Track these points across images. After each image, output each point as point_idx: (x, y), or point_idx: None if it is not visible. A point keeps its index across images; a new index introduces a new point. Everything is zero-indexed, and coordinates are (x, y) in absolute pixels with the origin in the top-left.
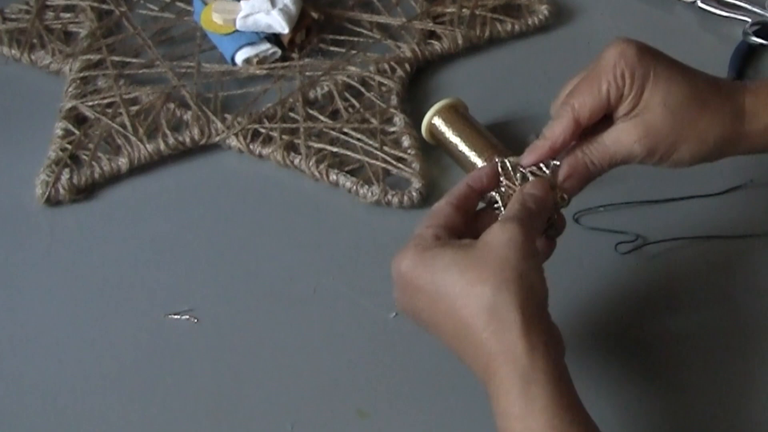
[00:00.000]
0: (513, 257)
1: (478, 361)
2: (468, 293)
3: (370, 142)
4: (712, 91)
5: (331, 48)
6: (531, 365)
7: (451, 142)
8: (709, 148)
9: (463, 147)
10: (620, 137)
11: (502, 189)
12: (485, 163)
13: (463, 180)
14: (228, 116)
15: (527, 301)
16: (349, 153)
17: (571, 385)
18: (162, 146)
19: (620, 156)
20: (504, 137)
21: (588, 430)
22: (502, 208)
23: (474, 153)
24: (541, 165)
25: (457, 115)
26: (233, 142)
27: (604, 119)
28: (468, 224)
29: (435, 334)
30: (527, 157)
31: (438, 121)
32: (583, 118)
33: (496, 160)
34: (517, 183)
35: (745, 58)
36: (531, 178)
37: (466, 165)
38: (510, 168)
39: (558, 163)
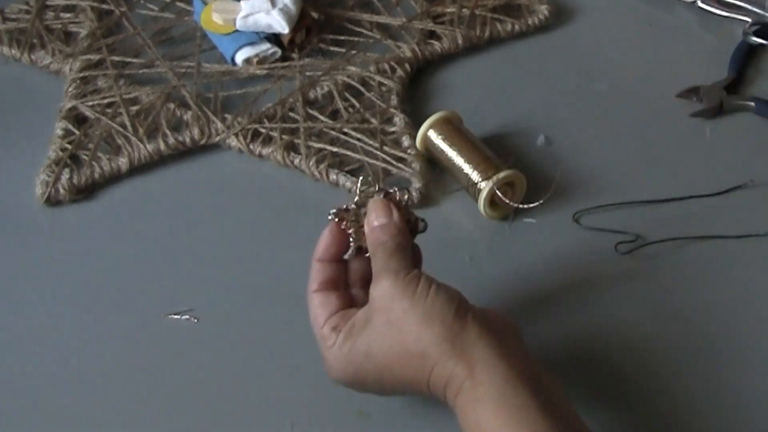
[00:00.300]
0: (402, 306)
1: (440, 394)
2: (398, 356)
3: (370, 142)
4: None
5: (331, 48)
6: (471, 384)
7: (445, 155)
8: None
9: (458, 160)
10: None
11: (351, 232)
12: (480, 176)
13: (313, 260)
14: (228, 116)
15: (445, 331)
16: (349, 153)
17: (526, 378)
18: (162, 146)
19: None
20: (504, 137)
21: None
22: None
23: (469, 166)
24: (356, 187)
25: (452, 128)
26: (233, 142)
27: None
28: (343, 277)
29: (399, 391)
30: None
31: (433, 134)
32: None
33: (329, 217)
34: (360, 218)
35: (745, 58)
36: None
37: (461, 178)
38: (343, 213)
39: (390, 190)
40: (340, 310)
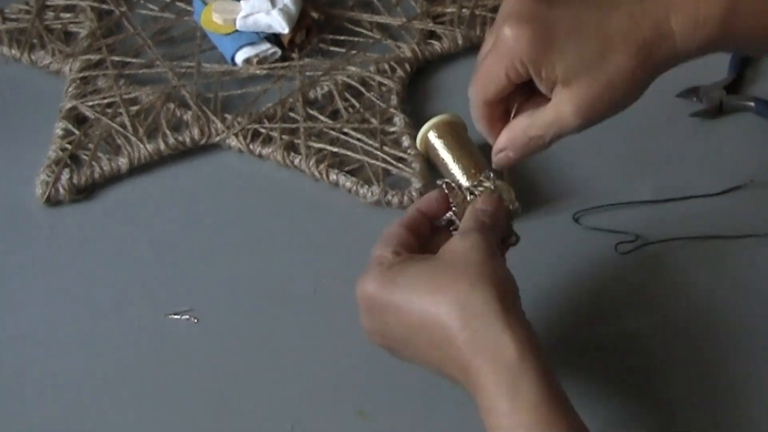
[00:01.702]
0: (480, 258)
1: (457, 364)
2: (439, 299)
3: (370, 142)
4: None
5: (331, 48)
6: (519, 359)
7: (441, 158)
8: (639, 62)
9: (452, 165)
10: (553, 119)
11: (454, 209)
12: (469, 184)
13: (413, 205)
14: (228, 116)
15: (505, 295)
16: (349, 153)
17: (557, 381)
18: (162, 146)
19: (558, 135)
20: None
21: (575, 425)
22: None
23: (462, 173)
24: (482, 179)
25: (453, 132)
26: (233, 142)
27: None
28: (422, 247)
29: (408, 351)
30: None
31: (432, 136)
32: (489, 98)
33: (442, 182)
34: (468, 201)
35: (745, 58)
36: (478, 194)
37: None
38: (457, 188)
39: (495, 173)
40: (412, 248)
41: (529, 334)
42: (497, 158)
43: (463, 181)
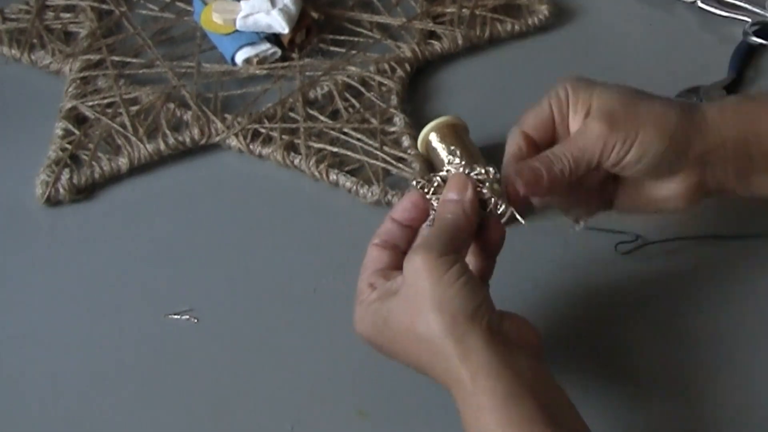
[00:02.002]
0: (424, 286)
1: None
2: (409, 338)
3: (370, 142)
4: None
5: (331, 48)
6: (472, 385)
7: (443, 161)
8: (669, 134)
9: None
10: (584, 135)
11: (433, 201)
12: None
13: (387, 216)
14: (228, 116)
15: (454, 321)
16: (349, 153)
17: (533, 392)
18: (162, 146)
19: (587, 153)
20: (504, 138)
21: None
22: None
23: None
24: (451, 157)
25: (454, 135)
26: (233, 142)
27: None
28: (407, 240)
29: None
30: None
31: (434, 138)
32: (529, 128)
33: (414, 182)
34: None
35: (745, 58)
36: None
37: None
38: (427, 182)
39: (481, 169)
40: (388, 269)
41: (492, 354)
42: (522, 177)
43: None
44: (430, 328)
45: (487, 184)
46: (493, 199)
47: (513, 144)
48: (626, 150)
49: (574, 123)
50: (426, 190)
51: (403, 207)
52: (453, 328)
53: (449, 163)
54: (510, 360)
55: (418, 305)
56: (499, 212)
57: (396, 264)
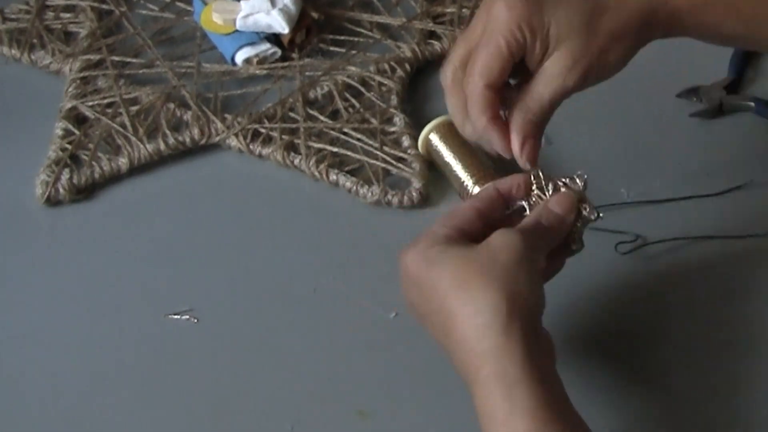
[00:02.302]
0: (506, 260)
1: (462, 361)
2: (457, 293)
3: (370, 142)
4: None
5: (331, 48)
6: (512, 367)
7: (444, 160)
8: (632, 28)
9: (456, 167)
10: (550, 79)
11: (533, 200)
12: (475, 185)
13: (491, 184)
14: (228, 116)
15: (513, 304)
16: (349, 153)
17: (558, 390)
18: (162, 146)
19: (558, 94)
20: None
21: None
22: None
23: (467, 174)
24: (575, 177)
25: (453, 133)
26: (233, 142)
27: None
28: (487, 233)
29: (429, 327)
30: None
31: (434, 138)
32: (493, 80)
33: (531, 169)
34: (548, 195)
35: (745, 58)
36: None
37: (457, 185)
38: (542, 179)
39: (586, 176)
40: (468, 229)
41: (533, 345)
42: (524, 158)
43: (468, 181)
44: (486, 294)
45: (579, 223)
46: (576, 236)
47: (484, 105)
48: (593, 80)
49: (534, 57)
50: (535, 183)
51: (511, 183)
52: (511, 306)
53: (565, 185)
54: (540, 358)
55: (487, 269)
56: (573, 248)
57: (481, 232)
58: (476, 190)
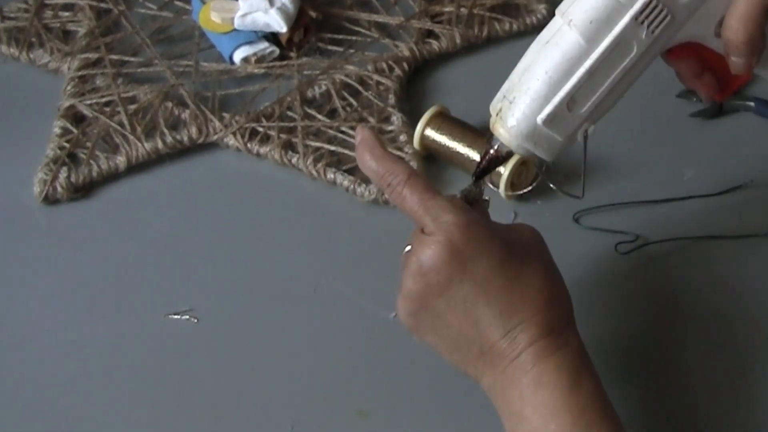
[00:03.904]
0: (544, 251)
1: (506, 341)
2: (532, 277)
3: None
4: None
5: (329, 47)
6: (581, 360)
7: (449, 149)
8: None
9: (464, 150)
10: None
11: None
12: None
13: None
14: (226, 115)
15: (562, 296)
16: (346, 152)
17: (593, 383)
18: (160, 145)
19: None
20: None
21: (608, 426)
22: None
23: (474, 151)
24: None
25: (446, 120)
26: (231, 140)
27: None
28: None
29: (440, 330)
30: None
31: (430, 132)
32: None
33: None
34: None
35: None
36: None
37: (469, 165)
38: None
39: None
40: None
41: (570, 339)
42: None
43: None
44: (561, 286)
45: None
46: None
47: None
48: None
49: None
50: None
51: None
52: (560, 297)
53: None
54: (572, 354)
55: (553, 266)
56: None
57: None
58: (503, 168)
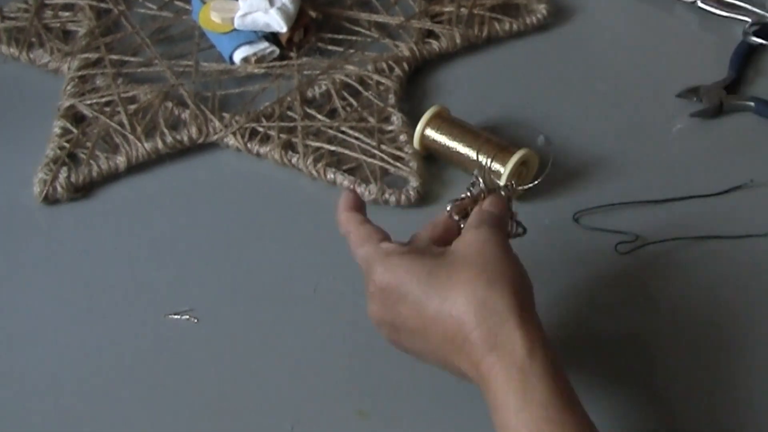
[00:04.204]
0: (496, 254)
1: (469, 359)
2: (457, 295)
3: (368, 141)
4: None
5: (329, 47)
6: (530, 358)
7: (449, 149)
8: None
9: (465, 150)
10: None
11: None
12: (493, 161)
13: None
14: (226, 115)
15: (518, 294)
16: (346, 152)
17: (567, 379)
18: (160, 145)
19: None
20: (503, 137)
21: (583, 423)
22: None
23: (480, 153)
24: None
25: (446, 121)
26: (231, 140)
27: None
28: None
29: (416, 343)
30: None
31: (430, 132)
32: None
33: (448, 208)
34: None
35: (745, 58)
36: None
37: (470, 165)
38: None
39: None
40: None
41: (541, 334)
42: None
43: (484, 159)
44: (491, 288)
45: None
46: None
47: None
48: None
49: None
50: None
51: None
52: (518, 296)
53: (473, 184)
54: (549, 348)
55: (482, 266)
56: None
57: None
58: (495, 165)
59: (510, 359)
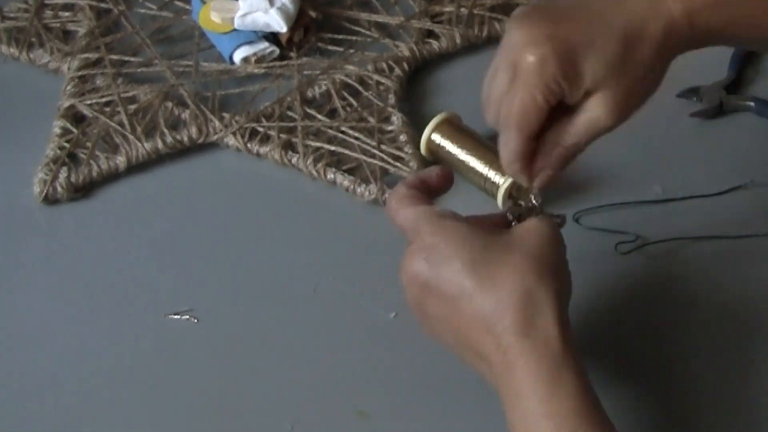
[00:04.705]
0: (554, 251)
1: (497, 343)
2: (506, 275)
3: (368, 141)
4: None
5: (329, 47)
6: (563, 351)
7: (454, 156)
8: (663, 53)
9: (469, 160)
10: (590, 121)
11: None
12: (503, 176)
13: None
14: (226, 115)
15: (562, 297)
16: (346, 152)
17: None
18: (160, 145)
19: (597, 135)
20: None
21: (609, 423)
22: None
23: (482, 164)
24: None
25: (455, 128)
26: (231, 140)
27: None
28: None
29: (441, 311)
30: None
31: (437, 138)
32: (532, 131)
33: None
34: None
35: (745, 58)
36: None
37: (474, 177)
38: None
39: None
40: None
41: (573, 338)
42: (539, 181)
43: (491, 174)
44: (541, 282)
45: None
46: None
47: (520, 155)
48: (630, 108)
49: (573, 99)
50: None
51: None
52: (561, 296)
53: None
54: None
55: (541, 261)
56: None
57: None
58: (503, 180)
59: (544, 349)
